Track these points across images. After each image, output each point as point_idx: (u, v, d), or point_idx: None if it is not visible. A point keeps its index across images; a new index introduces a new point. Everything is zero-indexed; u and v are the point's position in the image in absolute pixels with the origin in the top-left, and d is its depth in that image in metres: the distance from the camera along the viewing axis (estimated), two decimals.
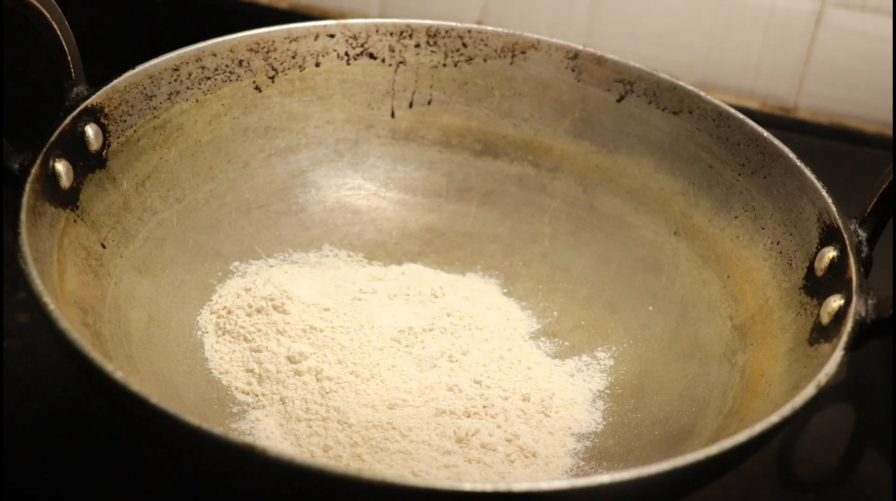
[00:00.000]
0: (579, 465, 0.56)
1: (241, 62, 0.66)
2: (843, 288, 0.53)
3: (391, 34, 0.69)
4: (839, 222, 0.56)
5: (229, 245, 0.64)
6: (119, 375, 0.44)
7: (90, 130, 0.57)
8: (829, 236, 0.56)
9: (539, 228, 0.69)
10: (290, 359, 0.58)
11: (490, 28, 0.70)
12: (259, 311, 0.61)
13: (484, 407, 0.57)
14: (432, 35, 0.70)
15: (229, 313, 0.61)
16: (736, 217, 0.64)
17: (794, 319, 0.56)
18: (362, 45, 0.69)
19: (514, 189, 0.70)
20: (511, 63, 0.70)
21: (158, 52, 0.62)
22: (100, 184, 0.58)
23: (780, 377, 0.54)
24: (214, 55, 0.65)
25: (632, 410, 0.59)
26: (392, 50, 0.70)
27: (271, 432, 0.55)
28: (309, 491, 0.44)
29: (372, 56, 0.69)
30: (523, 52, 0.70)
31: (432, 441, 0.55)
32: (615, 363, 0.62)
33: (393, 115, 0.71)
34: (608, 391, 0.61)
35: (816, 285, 0.56)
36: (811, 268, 0.57)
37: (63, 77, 0.58)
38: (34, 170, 0.52)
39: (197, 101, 0.64)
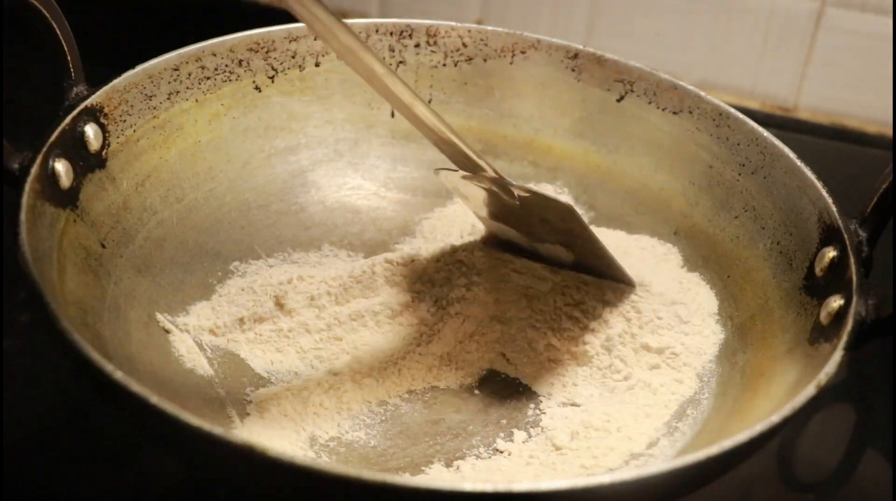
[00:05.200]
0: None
1: (241, 62, 0.66)
2: (843, 288, 0.53)
3: (391, 34, 0.69)
4: (839, 222, 0.56)
5: (229, 245, 0.64)
6: (119, 375, 0.44)
7: (90, 130, 0.57)
8: (830, 236, 0.56)
9: None
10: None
11: (490, 28, 0.70)
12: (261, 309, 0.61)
13: None
14: (432, 35, 0.70)
15: (230, 312, 0.61)
16: (736, 217, 0.63)
17: (794, 319, 0.56)
18: None
19: None
20: (511, 63, 0.70)
21: (158, 52, 0.62)
22: (100, 184, 0.58)
23: (780, 377, 0.54)
24: (214, 55, 0.65)
25: None
26: (392, 50, 0.70)
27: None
28: (309, 491, 0.43)
29: None
30: (523, 52, 0.70)
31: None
32: None
33: (393, 115, 0.71)
34: None
35: (816, 285, 0.56)
36: (811, 268, 0.57)
37: (63, 77, 0.58)
38: (34, 170, 0.52)
39: (197, 101, 0.64)
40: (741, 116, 0.65)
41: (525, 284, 0.61)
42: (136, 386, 0.43)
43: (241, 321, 0.60)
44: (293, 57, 0.68)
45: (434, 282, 0.62)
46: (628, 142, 0.69)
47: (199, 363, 0.57)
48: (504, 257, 0.62)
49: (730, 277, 0.62)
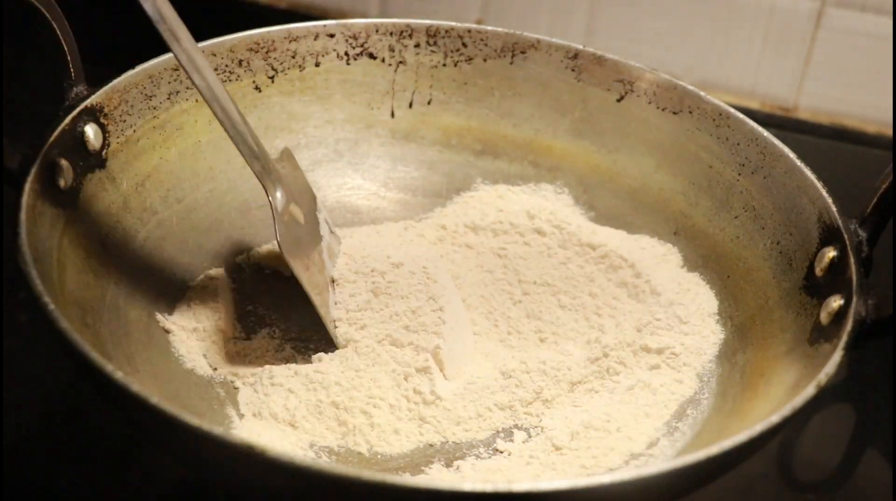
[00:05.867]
0: None
1: (240, 62, 0.66)
2: (843, 288, 0.53)
3: (391, 34, 0.69)
4: (839, 222, 0.56)
5: (229, 245, 0.64)
6: (119, 375, 0.44)
7: (90, 130, 0.57)
8: (829, 236, 0.56)
9: None
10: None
11: (490, 28, 0.70)
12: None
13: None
14: (432, 35, 0.70)
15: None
16: (736, 217, 0.63)
17: (794, 319, 0.56)
18: (362, 45, 0.69)
19: None
20: (511, 63, 0.70)
21: (158, 52, 0.62)
22: (100, 184, 0.58)
23: (780, 377, 0.54)
24: (214, 55, 0.65)
25: None
26: (392, 50, 0.70)
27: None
28: (309, 491, 0.44)
29: (372, 56, 0.69)
30: (523, 52, 0.70)
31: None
32: None
33: (393, 115, 0.71)
34: None
35: (816, 285, 0.56)
36: (811, 268, 0.57)
37: (63, 77, 0.58)
38: (34, 170, 0.52)
39: (197, 101, 0.64)
40: (741, 116, 0.65)
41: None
42: (136, 386, 0.44)
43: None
44: (293, 57, 0.68)
45: None
46: (628, 142, 0.69)
47: (199, 363, 0.57)
48: None
49: (730, 277, 0.62)
